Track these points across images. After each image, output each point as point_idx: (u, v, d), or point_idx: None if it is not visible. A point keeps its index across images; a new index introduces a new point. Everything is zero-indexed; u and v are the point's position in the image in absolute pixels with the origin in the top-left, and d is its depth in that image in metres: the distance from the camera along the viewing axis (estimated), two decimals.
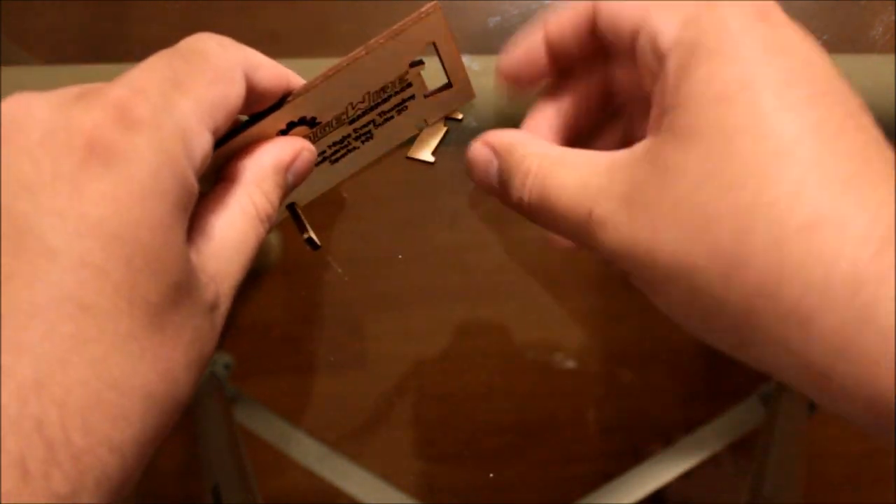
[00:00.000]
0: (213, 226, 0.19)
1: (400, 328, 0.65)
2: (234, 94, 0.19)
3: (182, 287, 0.17)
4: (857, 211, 0.16)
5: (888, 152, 0.17)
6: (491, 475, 0.62)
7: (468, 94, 0.25)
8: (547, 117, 0.24)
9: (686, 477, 0.59)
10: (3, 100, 0.17)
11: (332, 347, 0.64)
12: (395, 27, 0.22)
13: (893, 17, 0.40)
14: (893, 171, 0.17)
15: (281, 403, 0.62)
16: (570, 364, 0.64)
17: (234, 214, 0.20)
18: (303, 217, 0.26)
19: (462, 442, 0.65)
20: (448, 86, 0.25)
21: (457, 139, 0.28)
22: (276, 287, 0.63)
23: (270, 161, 0.22)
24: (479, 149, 0.24)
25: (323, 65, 0.40)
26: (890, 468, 0.67)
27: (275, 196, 0.21)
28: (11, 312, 0.14)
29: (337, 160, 0.26)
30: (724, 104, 0.17)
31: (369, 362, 0.64)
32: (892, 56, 0.35)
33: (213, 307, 0.18)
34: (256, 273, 0.63)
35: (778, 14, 0.19)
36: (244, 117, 0.23)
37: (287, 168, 0.22)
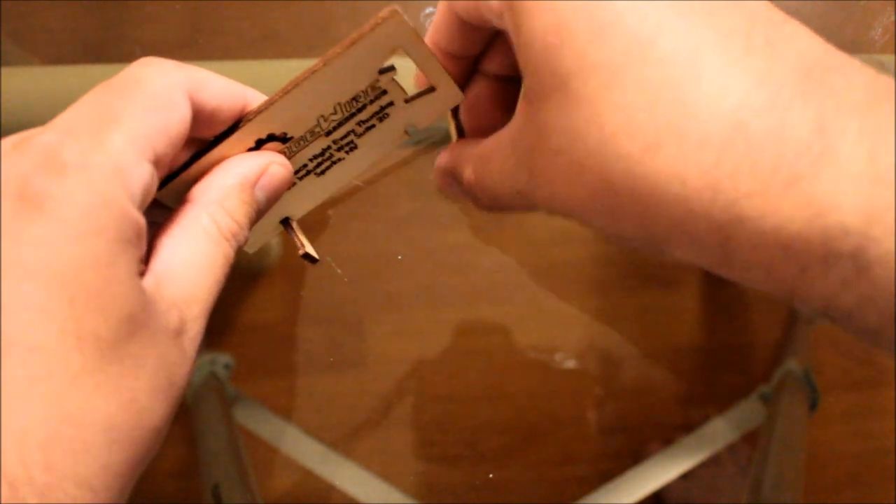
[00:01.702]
0: (172, 250, 0.19)
1: (400, 328, 0.65)
2: (175, 119, 0.19)
3: (135, 319, 0.17)
4: (695, 115, 0.16)
5: (758, 33, 0.16)
6: (491, 475, 0.62)
7: (455, 95, 0.25)
8: (478, 107, 0.25)
9: (686, 477, 0.59)
10: None
11: (332, 347, 0.64)
12: (351, 35, 0.22)
13: (893, 18, 0.40)
14: (767, 39, 0.16)
15: (281, 403, 0.62)
16: (570, 364, 0.64)
17: (195, 236, 0.20)
18: (298, 231, 0.25)
19: (462, 442, 0.65)
20: (431, 89, 0.24)
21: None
22: (276, 287, 0.63)
23: (234, 178, 0.21)
24: (438, 178, 0.25)
25: None
26: (890, 468, 0.67)
27: (240, 213, 0.21)
28: None
29: (323, 172, 0.25)
30: (551, 54, 0.18)
31: (369, 362, 0.64)
32: (893, 56, 0.35)
33: (178, 333, 0.18)
34: (256, 273, 0.63)
35: None
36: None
37: (253, 184, 0.22)
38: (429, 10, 0.49)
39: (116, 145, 0.18)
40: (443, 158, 0.25)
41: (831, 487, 0.69)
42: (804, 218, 0.15)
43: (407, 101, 0.24)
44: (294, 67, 0.39)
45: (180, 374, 0.18)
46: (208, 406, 0.56)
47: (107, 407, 0.16)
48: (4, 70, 0.37)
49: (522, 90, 0.20)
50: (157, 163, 0.19)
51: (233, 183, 0.21)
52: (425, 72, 0.24)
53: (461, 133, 0.26)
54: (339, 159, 0.25)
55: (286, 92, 0.22)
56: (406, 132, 0.25)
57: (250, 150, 0.23)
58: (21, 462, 0.14)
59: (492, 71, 0.24)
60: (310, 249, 0.25)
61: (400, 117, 0.25)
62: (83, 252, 0.16)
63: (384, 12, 0.21)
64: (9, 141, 0.18)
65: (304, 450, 0.58)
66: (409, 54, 0.23)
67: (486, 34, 0.23)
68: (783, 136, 0.15)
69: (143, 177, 0.18)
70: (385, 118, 0.24)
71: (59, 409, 0.15)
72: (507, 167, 0.21)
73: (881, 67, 0.17)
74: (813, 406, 0.62)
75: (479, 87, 0.24)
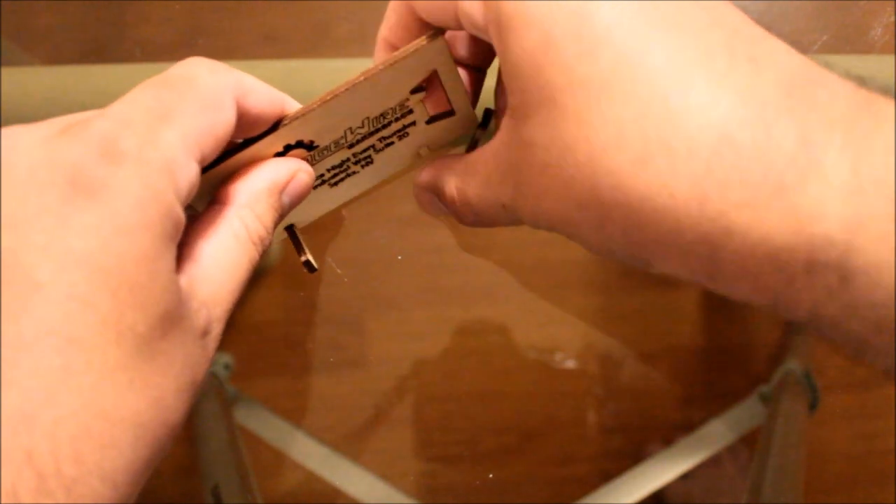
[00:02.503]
0: (203, 251, 0.19)
1: (400, 328, 0.65)
2: (222, 121, 0.19)
3: (171, 316, 0.17)
4: (684, 128, 0.16)
5: (741, 49, 0.17)
6: (491, 475, 0.62)
7: (471, 121, 0.25)
8: (435, 107, 0.25)
9: (686, 477, 0.59)
10: None
11: (332, 347, 0.64)
12: (395, 54, 0.22)
13: (893, 18, 0.40)
14: (750, 56, 0.17)
15: (281, 403, 0.62)
16: (570, 364, 0.64)
17: (226, 238, 0.20)
18: (301, 239, 0.25)
19: (462, 442, 0.65)
20: (450, 113, 0.25)
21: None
22: (276, 287, 0.63)
23: (264, 183, 0.22)
24: (419, 196, 0.25)
25: (322, 65, 0.40)
26: (890, 468, 0.67)
27: (268, 218, 0.21)
28: None
29: (336, 184, 0.25)
30: (537, 71, 0.18)
31: (369, 362, 0.64)
32: (892, 56, 0.35)
33: (205, 333, 0.18)
34: (256, 273, 0.63)
35: None
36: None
37: (282, 189, 0.22)
38: None
39: (170, 142, 0.18)
40: (424, 175, 0.24)
41: (831, 487, 0.69)
42: (790, 229, 0.15)
43: (428, 122, 0.24)
44: (294, 67, 0.39)
45: (201, 373, 0.18)
46: (208, 406, 0.56)
47: (137, 404, 0.16)
48: (4, 70, 0.37)
49: (508, 106, 0.20)
50: (202, 162, 0.19)
51: (263, 187, 0.21)
52: (450, 95, 0.24)
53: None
54: (354, 172, 0.25)
55: (324, 101, 0.22)
56: (419, 153, 0.25)
57: (277, 154, 0.23)
58: (52, 454, 0.14)
59: (463, 61, 0.24)
60: (310, 258, 0.25)
61: (417, 137, 0.25)
62: (131, 246, 0.16)
63: (430, 35, 0.22)
64: (56, 124, 0.18)
65: (304, 450, 0.58)
66: (440, 76, 0.23)
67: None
68: (769, 148, 0.15)
69: (189, 175, 0.18)
70: (405, 137, 0.25)
71: (92, 403, 0.15)
72: (491, 182, 0.21)
73: (861, 81, 0.17)
74: (813, 406, 0.62)
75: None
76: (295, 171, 0.22)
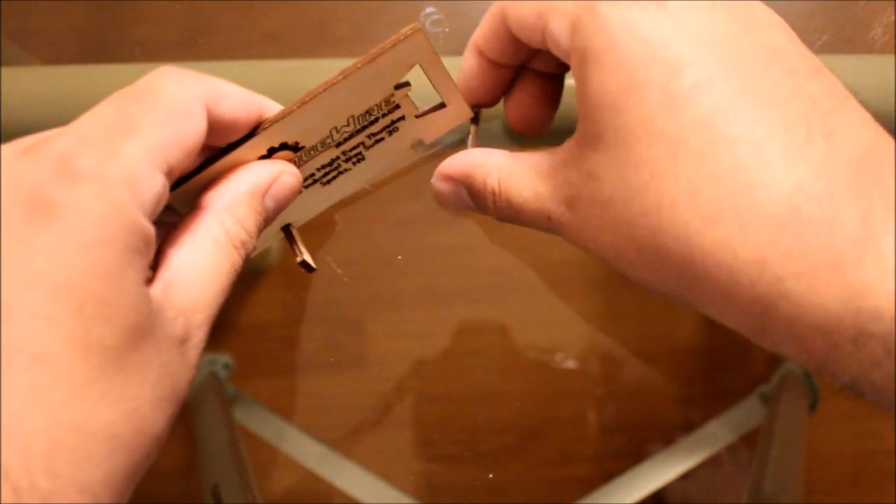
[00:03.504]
0: (179, 258, 0.19)
1: (400, 328, 0.65)
2: (190, 130, 0.19)
3: (141, 328, 0.17)
4: (755, 196, 0.17)
5: (818, 123, 0.17)
6: (491, 475, 0.62)
7: (464, 112, 0.25)
8: (524, 102, 0.25)
9: (686, 477, 0.59)
10: None
11: (332, 347, 0.64)
12: (372, 51, 0.22)
13: (893, 18, 0.40)
14: (827, 131, 0.17)
15: (281, 403, 0.62)
16: (570, 364, 0.64)
17: (204, 244, 0.20)
18: (298, 239, 0.25)
19: (461, 442, 0.65)
20: (441, 105, 0.24)
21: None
22: (276, 287, 0.63)
23: (245, 186, 0.22)
24: (442, 185, 0.25)
25: (322, 65, 0.40)
26: (890, 468, 0.67)
27: (250, 221, 0.21)
28: None
29: (329, 182, 0.25)
30: (617, 112, 0.18)
31: (369, 362, 0.64)
32: (892, 56, 0.35)
33: (183, 341, 0.18)
34: (256, 273, 0.63)
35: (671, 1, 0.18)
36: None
37: (265, 192, 0.22)
38: (429, 9, 0.49)
39: (131, 155, 0.18)
40: (457, 164, 0.24)
41: (831, 487, 0.69)
42: (841, 300, 0.16)
43: (418, 116, 0.24)
44: (294, 67, 0.39)
45: (183, 382, 0.18)
46: (208, 406, 0.56)
47: (110, 416, 0.16)
48: (4, 70, 0.37)
49: (577, 131, 0.20)
50: (169, 173, 0.19)
51: (244, 191, 0.21)
52: (438, 88, 0.24)
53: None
54: (346, 170, 0.25)
55: (303, 103, 0.22)
56: (412, 147, 0.25)
57: (262, 157, 0.23)
58: (25, 468, 0.15)
59: (539, 68, 0.24)
60: (307, 258, 0.25)
61: (409, 131, 0.25)
62: (92, 262, 0.16)
63: (407, 29, 0.22)
64: (19, 145, 0.18)
65: (303, 450, 0.58)
66: (424, 70, 0.23)
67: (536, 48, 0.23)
68: (833, 224, 0.16)
69: (154, 188, 0.18)
70: (394, 132, 0.25)
71: (63, 418, 0.15)
72: (542, 191, 0.21)
73: None
74: (813, 406, 0.62)
75: (525, 83, 0.25)
76: (278, 172, 0.22)
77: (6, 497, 0.14)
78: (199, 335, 0.19)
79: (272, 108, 0.22)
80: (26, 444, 0.15)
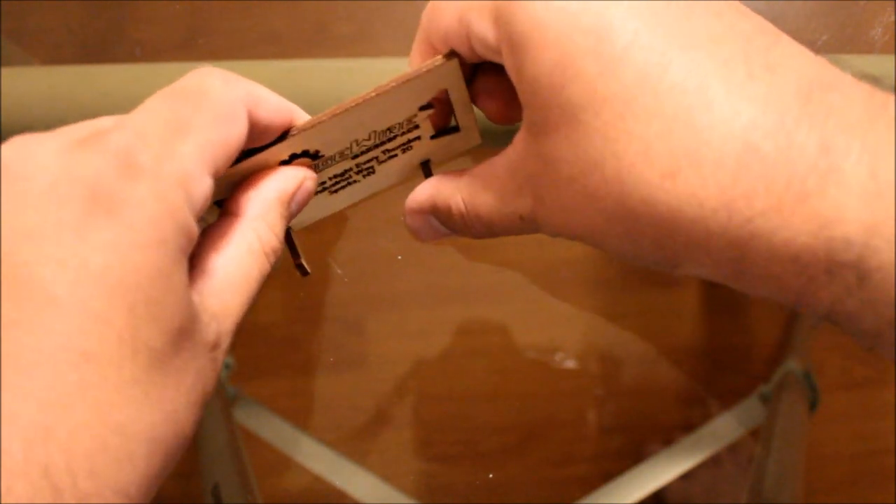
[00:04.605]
0: (216, 264, 0.19)
1: (400, 328, 0.65)
2: (236, 133, 0.19)
3: (185, 331, 0.17)
4: (709, 140, 0.17)
5: (757, 58, 0.17)
6: (491, 475, 0.62)
7: (474, 139, 0.25)
8: (491, 107, 0.25)
9: (686, 477, 0.59)
10: (4, 144, 0.17)
11: (332, 347, 0.64)
12: (408, 72, 0.22)
13: (893, 18, 0.40)
14: (765, 64, 0.17)
15: (281, 403, 0.62)
16: (570, 364, 0.64)
17: (238, 251, 0.20)
18: (296, 243, 0.26)
19: (462, 442, 0.65)
20: (455, 129, 0.25)
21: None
22: (276, 287, 0.63)
23: (275, 192, 0.22)
24: (412, 221, 0.25)
25: (322, 65, 0.40)
26: (890, 468, 0.67)
27: (279, 228, 0.22)
28: (15, 360, 0.15)
29: (336, 191, 0.26)
30: (556, 90, 0.18)
31: (369, 362, 0.64)
32: (892, 56, 0.35)
33: (215, 346, 0.19)
34: None
35: None
36: None
37: (290, 198, 0.22)
38: None
39: (185, 155, 0.18)
40: (419, 197, 0.24)
41: (831, 487, 0.69)
42: (811, 231, 0.16)
43: (433, 137, 0.25)
44: (294, 67, 0.39)
45: (211, 386, 0.18)
46: (208, 406, 0.56)
47: (152, 417, 0.16)
48: (4, 70, 0.37)
49: (524, 121, 0.20)
50: (215, 174, 0.19)
51: (274, 198, 0.22)
52: (458, 112, 0.24)
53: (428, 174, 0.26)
54: (355, 181, 0.25)
55: (333, 115, 0.22)
56: (420, 165, 0.26)
57: (283, 162, 0.23)
58: (67, 468, 0.14)
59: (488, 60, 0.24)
60: (304, 261, 0.25)
61: (421, 150, 0.25)
62: (147, 261, 0.16)
63: (444, 56, 0.22)
64: (74, 134, 0.18)
65: (303, 449, 0.58)
66: (451, 95, 0.23)
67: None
68: (792, 157, 0.16)
69: (204, 189, 0.18)
70: (408, 150, 0.25)
71: (108, 418, 0.15)
72: (505, 194, 0.21)
73: (876, 81, 0.17)
74: (813, 406, 0.62)
75: (485, 79, 0.25)
76: (302, 179, 0.23)
77: (45, 496, 0.14)
78: (226, 341, 0.19)
79: (301, 115, 0.22)
80: (70, 444, 0.15)
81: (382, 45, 0.59)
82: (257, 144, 0.22)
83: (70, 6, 0.61)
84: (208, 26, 0.61)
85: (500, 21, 0.19)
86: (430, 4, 0.22)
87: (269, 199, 0.22)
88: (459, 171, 0.23)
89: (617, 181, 0.18)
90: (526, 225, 0.21)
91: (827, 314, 0.17)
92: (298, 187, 0.22)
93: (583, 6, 0.18)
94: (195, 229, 0.18)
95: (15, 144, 0.17)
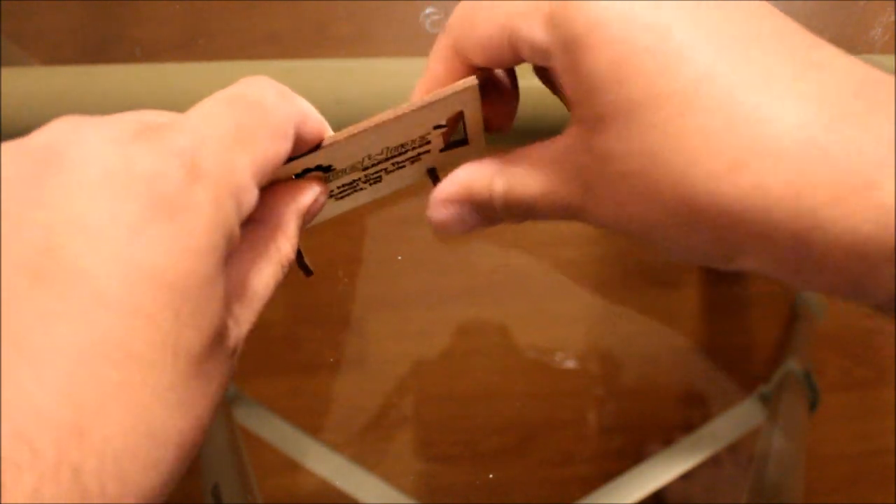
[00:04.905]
0: (243, 273, 0.20)
1: (400, 328, 0.65)
2: (285, 149, 0.20)
3: (219, 337, 0.17)
4: (774, 133, 0.17)
5: (809, 56, 0.18)
6: (491, 475, 0.62)
7: (481, 150, 0.26)
8: (491, 113, 0.25)
9: (686, 477, 0.59)
10: (50, 125, 0.17)
11: (332, 347, 0.64)
12: (428, 97, 0.22)
13: (893, 18, 0.40)
14: (817, 63, 0.18)
15: (281, 403, 0.62)
16: (570, 364, 0.64)
17: (263, 262, 0.20)
18: (300, 244, 0.26)
19: (462, 442, 0.65)
20: (464, 142, 0.25)
21: None
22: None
23: (296, 207, 0.22)
24: (442, 212, 0.24)
25: (322, 65, 0.40)
26: (890, 468, 0.67)
27: (295, 239, 0.22)
28: (55, 355, 0.14)
29: (342, 198, 0.26)
30: (615, 87, 0.19)
31: (369, 362, 0.64)
32: (892, 56, 0.35)
33: (234, 352, 0.19)
34: None
35: None
36: None
37: (306, 212, 0.23)
38: (429, 10, 0.49)
39: (243, 167, 0.18)
40: (451, 186, 0.24)
41: (831, 487, 0.69)
42: (874, 220, 0.16)
43: (442, 150, 0.25)
44: (294, 67, 0.39)
45: (225, 390, 0.19)
46: None
47: (182, 424, 0.16)
48: (4, 70, 0.37)
49: (577, 117, 0.21)
50: (260, 186, 0.19)
51: (294, 210, 0.22)
52: (469, 128, 0.25)
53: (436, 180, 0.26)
54: (362, 189, 0.26)
55: (351, 135, 0.23)
56: (427, 172, 0.26)
57: (296, 175, 0.23)
58: (98, 473, 0.14)
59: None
60: (307, 261, 0.25)
61: (428, 161, 0.25)
62: (198, 267, 0.16)
63: (465, 82, 0.22)
64: (129, 125, 0.17)
65: (303, 449, 0.58)
66: (465, 115, 0.24)
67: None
68: (850, 148, 0.17)
69: (252, 201, 0.18)
70: (416, 161, 0.25)
71: (142, 423, 0.15)
72: (552, 182, 0.22)
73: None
74: (813, 406, 0.62)
75: (486, 88, 0.25)
76: (318, 193, 0.23)
77: (73, 498, 0.14)
78: (241, 347, 0.19)
79: (328, 130, 0.23)
80: (103, 447, 0.14)
81: (382, 45, 0.59)
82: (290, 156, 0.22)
83: (70, 7, 0.61)
84: (208, 26, 0.61)
85: (556, 23, 0.20)
86: (459, 14, 0.22)
87: (290, 212, 0.22)
88: (495, 157, 0.24)
89: (680, 174, 0.18)
90: (571, 213, 0.22)
91: (886, 302, 0.17)
92: (314, 201, 0.23)
93: (640, 6, 0.19)
94: (238, 238, 0.18)
95: (64, 126, 0.17)
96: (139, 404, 0.15)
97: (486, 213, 0.24)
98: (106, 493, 0.14)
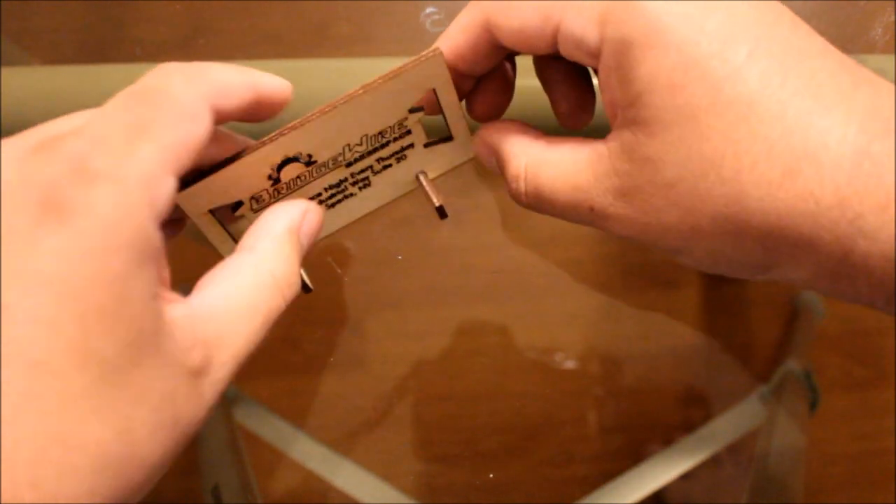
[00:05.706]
0: (217, 291, 0.19)
1: (400, 328, 0.65)
2: (199, 131, 0.19)
3: (145, 344, 0.16)
4: (826, 143, 0.18)
5: (854, 73, 0.19)
6: (491, 475, 0.62)
7: (467, 151, 0.25)
8: (483, 107, 0.25)
9: (686, 477, 0.59)
10: None
11: (332, 347, 0.64)
12: (394, 68, 0.22)
13: (893, 18, 0.40)
14: (863, 79, 0.19)
15: (281, 403, 0.62)
16: (570, 364, 0.64)
17: (244, 282, 0.20)
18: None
19: (462, 442, 0.65)
20: (449, 138, 0.25)
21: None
22: None
23: (283, 225, 0.22)
24: (479, 146, 0.25)
25: (322, 65, 0.40)
26: (890, 468, 0.67)
27: (294, 259, 0.22)
28: None
29: (334, 205, 0.25)
30: (676, 91, 0.19)
31: (369, 362, 0.64)
32: (892, 56, 0.35)
33: (198, 373, 0.18)
34: None
35: None
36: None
37: (298, 229, 0.22)
38: (429, 9, 0.49)
39: (146, 158, 0.17)
40: (489, 134, 0.24)
41: (831, 487, 0.69)
42: None
43: (426, 145, 0.25)
44: (294, 67, 0.39)
45: (190, 415, 0.18)
46: None
47: (99, 432, 0.16)
48: (4, 70, 0.37)
49: (623, 120, 0.20)
50: (177, 175, 0.18)
51: (283, 230, 0.22)
52: (448, 119, 0.24)
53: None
54: (352, 194, 0.25)
55: (323, 113, 0.22)
56: (417, 177, 0.25)
57: (276, 167, 0.23)
58: (10, 480, 0.14)
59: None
60: (306, 279, 0.25)
61: (415, 161, 0.25)
62: (101, 268, 0.16)
63: (428, 51, 0.22)
64: (31, 141, 0.17)
65: (303, 450, 0.58)
66: (438, 97, 0.23)
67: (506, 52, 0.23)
68: None
69: (167, 191, 0.18)
70: (402, 159, 0.25)
71: (50, 428, 0.15)
72: (579, 182, 0.22)
73: None
74: (813, 406, 0.62)
75: (489, 81, 0.25)
76: (304, 210, 0.23)
77: None
78: (221, 373, 0.19)
79: (266, 84, 0.22)
80: (12, 454, 0.14)
81: (382, 45, 0.59)
82: (262, 118, 0.22)
83: (70, 6, 0.61)
84: (208, 26, 0.61)
85: (610, 21, 0.19)
86: None
87: (279, 232, 0.22)
88: (533, 133, 0.23)
89: (735, 181, 0.19)
90: (593, 217, 0.22)
91: None
92: (303, 217, 0.22)
93: (705, 11, 0.19)
94: (157, 234, 0.17)
95: None
96: (47, 411, 0.15)
97: (505, 181, 0.24)
98: (20, 498, 0.14)
